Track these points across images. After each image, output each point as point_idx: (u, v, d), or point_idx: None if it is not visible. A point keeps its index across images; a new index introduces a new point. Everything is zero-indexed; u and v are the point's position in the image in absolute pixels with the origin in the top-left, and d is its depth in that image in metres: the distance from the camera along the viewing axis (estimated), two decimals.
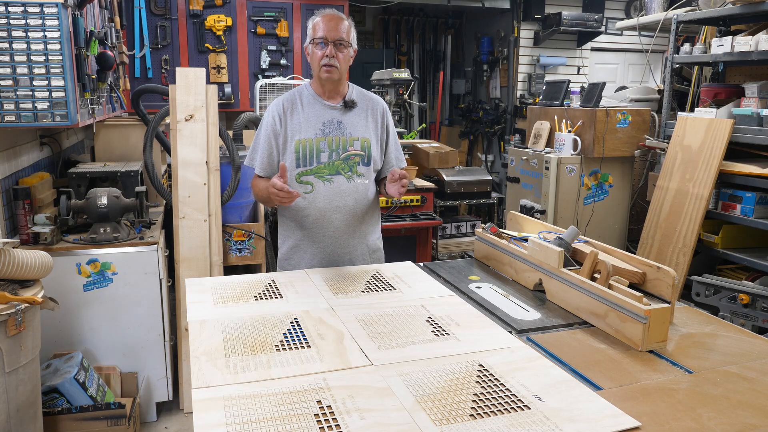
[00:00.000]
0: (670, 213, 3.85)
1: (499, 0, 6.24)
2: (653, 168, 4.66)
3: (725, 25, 3.87)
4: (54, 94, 2.28)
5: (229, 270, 3.14)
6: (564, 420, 1.15)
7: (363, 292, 1.86)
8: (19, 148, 2.76)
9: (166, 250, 2.94)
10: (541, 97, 5.10)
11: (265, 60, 5.43)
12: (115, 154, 3.49)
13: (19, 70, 2.23)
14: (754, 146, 3.58)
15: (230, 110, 5.40)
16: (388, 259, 2.33)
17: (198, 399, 1.20)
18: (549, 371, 1.35)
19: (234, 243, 3.15)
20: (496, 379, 1.30)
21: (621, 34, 6.50)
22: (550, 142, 4.59)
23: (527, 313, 1.73)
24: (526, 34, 6.36)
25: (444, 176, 4.46)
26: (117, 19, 3.92)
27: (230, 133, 3.43)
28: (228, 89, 5.35)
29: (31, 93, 2.26)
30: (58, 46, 2.25)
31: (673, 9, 4.53)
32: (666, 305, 1.53)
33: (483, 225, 2.30)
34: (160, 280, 2.80)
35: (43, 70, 2.25)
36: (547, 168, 4.35)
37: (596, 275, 1.73)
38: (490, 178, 4.69)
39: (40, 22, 2.22)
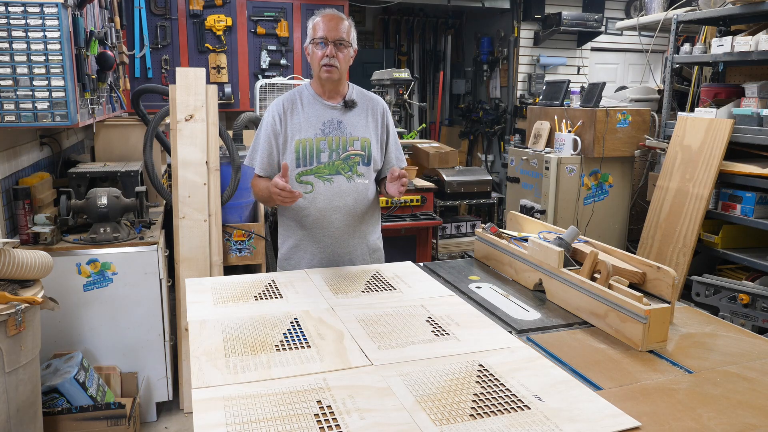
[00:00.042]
0: (670, 213, 3.85)
1: (499, 0, 6.24)
2: (653, 168, 4.66)
3: (725, 25, 3.87)
4: (54, 94, 2.28)
5: (229, 270, 3.14)
6: (564, 420, 1.15)
7: (363, 292, 1.86)
8: (19, 148, 2.76)
9: (166, 250, 2.94)
10: (541, 97, 5.10)
11: (265, 60, 5.43)
12: (115, 154, 3.49)
13: (19, 70, 2.23)
14: (754, 146, 3.58)
15: (230, 110, 5.40)
16: (388, 259, 2.33)
17: (198, 399, 1.20)
18: (549, 371, 1.35)
19: (234, 243, 3.15)
20: (496, 379, 1.30)
21: (621, 34, 6.50)
22: (550, 142, 4.59)
23: (527, 313, 1.73)
24: (526, 34, 6.36)
25: (444, 176, 4.46)
26: (117, 19, 3.92)
27: (230, 133, 3.43)
28: (228, 89, 5.35)
29: (31, 93, 2.26)
30: (58, 46, 2.25)
31: (673, 9, 4.53)
32: (666, 305, 1.53)
33: (483, 225, 2.30)
34: (160, 280, 2.80)
35: (43, 70, 2.25)
36: (547, 168, 4.35)
37: (596, 275, 1.73)
38: (490, 178, 4.69)
39: (40, 22, 2.22)
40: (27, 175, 2.83)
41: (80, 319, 2.73)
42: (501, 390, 1.26)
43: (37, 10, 2.20)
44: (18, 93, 2.24)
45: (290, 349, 1.44)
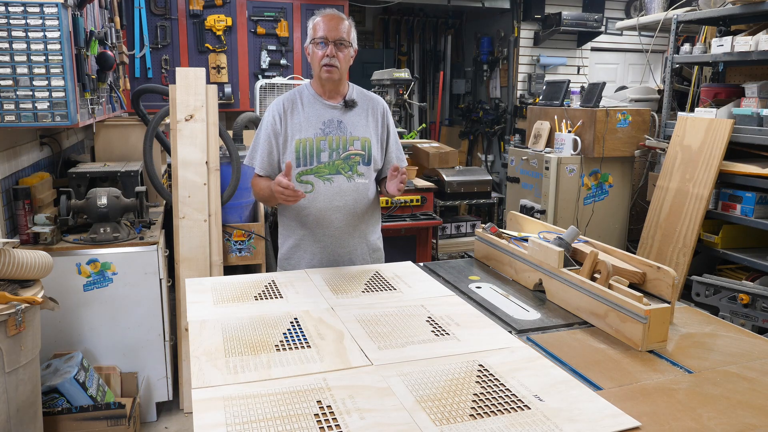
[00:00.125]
0: (670, 213, 3.85)
1: (499, 0, 6.24)
2: (653, 168, 4.66)
3: (725, 25, 3.87)
4: (54, 94, 2.28)
5: (229, 270, 3.14)
6: (564, 420, 1.15)
7: (363, 292, 1.86)
8: (19, 148, 2.76)
9: (166, 250, 2.94)
10: (541, 97, 5.10)
11: (265, 60, 5.43)
12: (115, 154, 3.49)
13: (19, 70, 2.23)
14: (754, 146, 3.58)
15: (230, 110, 5.40)
16: (388, 259, 2.33)
17: (198, 399, 1.20)
18: (549, 371, 1.35)
19: (234, 243, 3.15)
20: (496, 379, 1.30)
21: (621, 34, 6.50)
22: (550, 142, 4.59)
23: (527, 313, 1.73)
24: (526, 34, 6.36)
25: (444, 176, 4.46)
26: (117, 19, 3.92)
27: (230, 133, 3.43)
28: (228, 89, 5.35)
29: (31, 93, 2.26)
30: (58, 46, 2.25)
31: (673, 9, 4.53)
32: (666, 305, 1.53)
33: (483, 225, 2.30)
34: (160, 280, 2.80)
35: (43, 70, 2.25)
36: (547, 168, 4.35)
37: (596, 275, 1.73)
38: (490, 178, 4.69)
39: (40, 22, 2.22)
40: (27, 175, 2.83)
41: (80, 319, 2.73)
42: (501, 390, 1.26)
43: (37, 10, 2.20)
44: (18, 93, 2.24)
45: (290, 349, 1.44)
